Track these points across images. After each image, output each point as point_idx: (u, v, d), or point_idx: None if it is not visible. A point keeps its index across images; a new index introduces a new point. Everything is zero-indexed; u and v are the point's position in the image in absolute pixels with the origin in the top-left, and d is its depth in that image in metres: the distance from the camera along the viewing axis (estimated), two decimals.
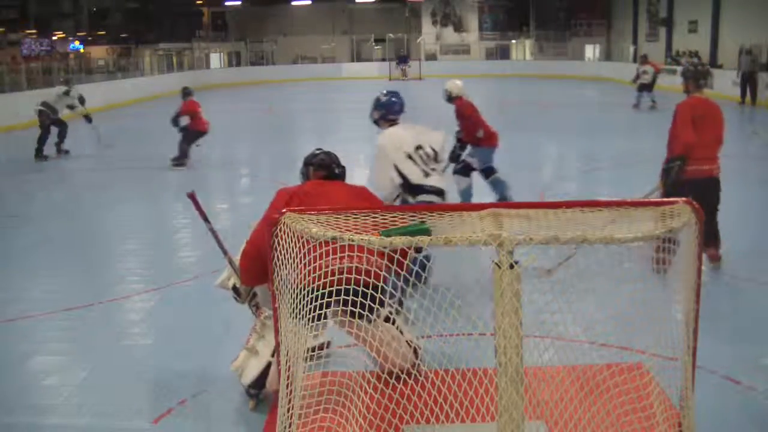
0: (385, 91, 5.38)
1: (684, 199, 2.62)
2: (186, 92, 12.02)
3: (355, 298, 2.81)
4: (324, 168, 3.88)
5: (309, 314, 2.74)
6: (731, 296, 5.17)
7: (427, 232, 2.39)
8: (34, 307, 5.24)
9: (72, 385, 4.03)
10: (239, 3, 40.26)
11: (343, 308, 3.02)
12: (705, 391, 3.37)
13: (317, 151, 4.00)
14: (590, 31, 37.62)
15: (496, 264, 2.27)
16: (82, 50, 37.43)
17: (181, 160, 11.55)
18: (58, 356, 4.51)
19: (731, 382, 3.84)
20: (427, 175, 4.88)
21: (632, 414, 2.92)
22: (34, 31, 34.78)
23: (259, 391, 3.66)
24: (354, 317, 3.19)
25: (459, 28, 40.66)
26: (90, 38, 39.36)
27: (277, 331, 2.72)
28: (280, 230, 2.59)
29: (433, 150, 4.99)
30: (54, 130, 12.66)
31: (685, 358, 2.67)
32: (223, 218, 8.16)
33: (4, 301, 5.45)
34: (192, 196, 4.04)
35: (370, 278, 2.95)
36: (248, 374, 3.64)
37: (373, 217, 2.62)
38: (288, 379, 2.71)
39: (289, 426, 2.70)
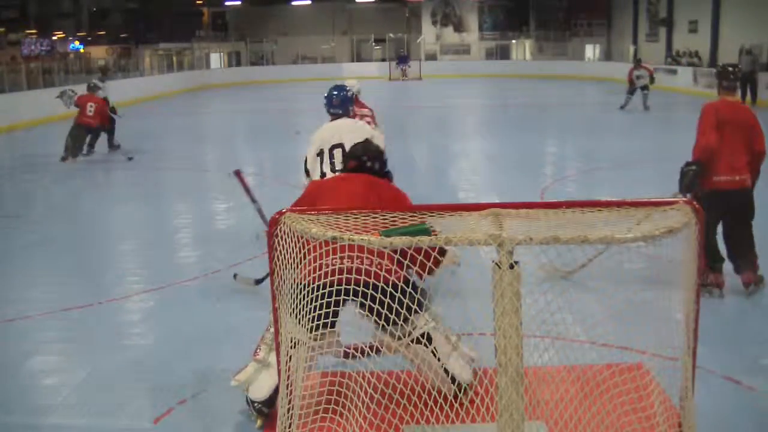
0: (333, 85, 5.34)
1: (684, 199, 2.62)
2: (89, 86, 12.38)
3: (364, 301, 2.71)
4: (353, 158, 3.76)
5: (308, 314, 2.70)
6: (731, 296, 5.16)
7: (427, 232, 2.40)
8: (33, 307, 5.24)
9: (72, 385, 4.02)
10: (239, 3, 40.24)
11: (361, 311, 2.92)
12: (705, 391, 3.37)
13: (361, 141, 3.92)
14: (590, 31, 37.61)
15: (496, 264, 2.27)
16: (82, 50, 37.42)
17: (65, 153, 11.88)
18: (58, 356, 4.51)
19: (731, 382, 3.84)
20: (323, 175, 4.74)
21: (632, 414, 2.92)
22: (34, 31, 34.79)
23: (269, 410, 3.39)
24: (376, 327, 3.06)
25: (459, 28, 40.64)
26: (90, 38, 39.34)
27: (277, 332, 2.72)
28: (280, 230, 2.59)
29: None
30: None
31: (685, 358, 2.67)
32: (224, 218, 8.21)
33: (4, 301, 5.44)
34: (238, 173, 4.02)
35: (379, 281, 2.78)
36: (259, 389, 3.40)
37: (374, 217, 2.62)
38: (288, 380, 2.72)
39: (289, 426, 2.70)
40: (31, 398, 3.93)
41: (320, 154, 4.79)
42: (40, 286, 5.84)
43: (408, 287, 2.78)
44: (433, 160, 12.53)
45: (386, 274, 2.83)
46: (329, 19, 41.44)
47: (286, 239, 2.60)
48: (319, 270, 2.75)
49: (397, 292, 2.71)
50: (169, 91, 28.20)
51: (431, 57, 39.40)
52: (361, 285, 2.77)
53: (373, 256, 3.00)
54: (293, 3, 40.38)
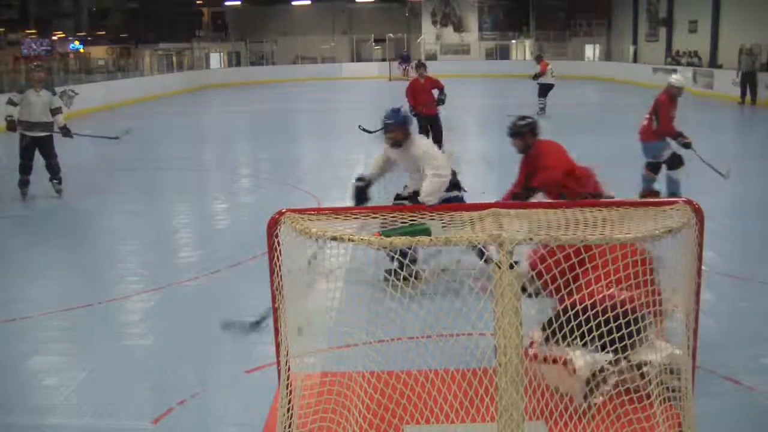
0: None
1: (684, 198, 2.63)
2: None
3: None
4: None
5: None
6: (731, 296, 5.17)
7: (427, 232, 2.40)
8: (33, 307, 5.24)
9: (72, 385, 4.02)
10: (239, 3, 40.21)
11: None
12: (705, 391, 3.37)
13: None
14: (590, 31, 37.61)
15: (496, 264, 2.27)
16: (82, 50, 37.40)
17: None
18: (58, 356, 4.51)
19: (731, 382, 3.84)
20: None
21: (632, 414, 2.92)
22: (34, 31, 34.76)
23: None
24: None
25: (459, 28, 40.64)
26: (90, 38, 39.31)
27: (277, 332, 2.71)
28: (280, 230, 2.59)
29: None
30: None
31: (685, 358, 2.67)
32: (224, 218, 8.21)
33: (4, 301, 5.44)
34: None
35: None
36: None
37: (373, 217, 2.63)
38: (288, 379, 2.72)
39: (289, 426, 2.70)
40: (31, 398, 3.93)
41: None
42: (41, 286, 5.84)
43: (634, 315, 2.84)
44: None
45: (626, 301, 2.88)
46: (329, 19, 41.43)
47: (285, 239, 2.59)
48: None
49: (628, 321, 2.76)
50: (169, 91, 28.19)
51: (431, 57, 39.31)
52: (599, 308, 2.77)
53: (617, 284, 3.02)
54: (293, 3, 40.36)
